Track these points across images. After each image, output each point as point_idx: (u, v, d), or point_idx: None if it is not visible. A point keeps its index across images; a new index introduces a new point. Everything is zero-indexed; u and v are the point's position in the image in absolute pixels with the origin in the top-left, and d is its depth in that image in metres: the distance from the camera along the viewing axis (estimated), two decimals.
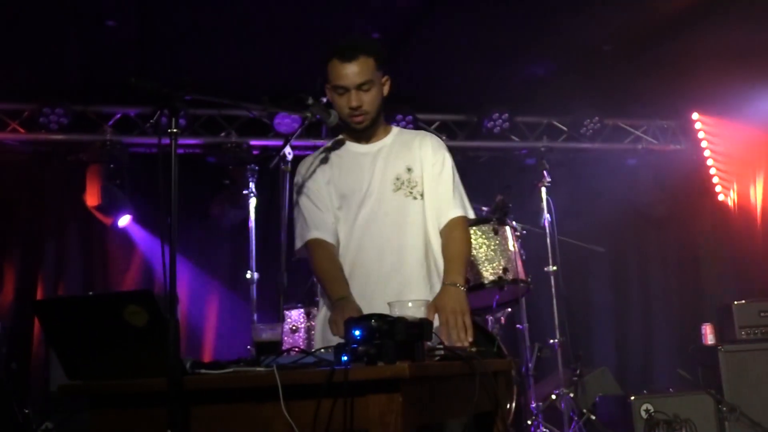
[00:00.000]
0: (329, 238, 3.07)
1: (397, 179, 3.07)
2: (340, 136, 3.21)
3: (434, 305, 2.77)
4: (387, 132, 3.18)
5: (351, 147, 3.16)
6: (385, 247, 3.01)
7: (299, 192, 3.16)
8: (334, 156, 3.16)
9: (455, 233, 3.04)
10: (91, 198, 6.56)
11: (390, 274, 2.99)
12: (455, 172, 3.15)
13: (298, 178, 3.18)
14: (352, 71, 2.97)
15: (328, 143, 3.23)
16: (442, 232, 3.06)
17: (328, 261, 3.04)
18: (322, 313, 3.10)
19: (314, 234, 3.07)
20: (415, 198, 3.06)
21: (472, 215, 3.14)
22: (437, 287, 2.95)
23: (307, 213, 3.12)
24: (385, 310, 2.36)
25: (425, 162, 3.10)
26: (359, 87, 2.98)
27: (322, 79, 3.15)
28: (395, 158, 3.10)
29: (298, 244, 3.13)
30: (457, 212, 3.07)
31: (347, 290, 2.94)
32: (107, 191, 6.58)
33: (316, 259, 3.05)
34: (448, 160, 3.14)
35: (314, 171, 3.15)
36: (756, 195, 7.64)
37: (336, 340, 2.74)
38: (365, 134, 3.12)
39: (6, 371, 5.82)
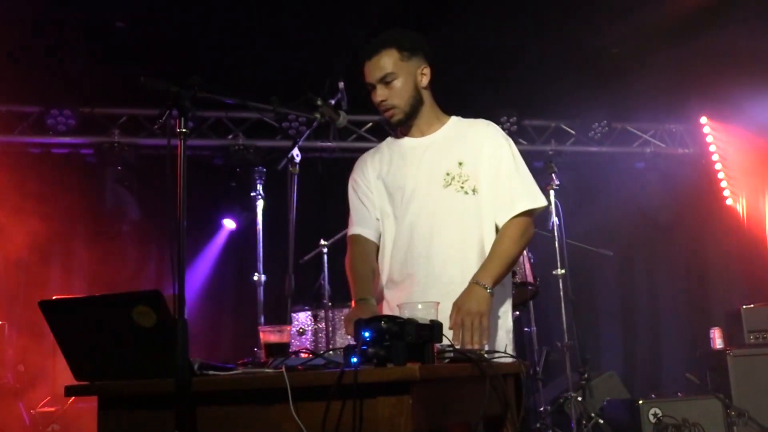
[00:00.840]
0: (369, 235, 3.02)
1: (447, 174, 2.92)
2: (398, 131, 3.10)
3: (455, 304, 2.67)
4: (443, 122, 3.04)
5: (403, 141, 3.05)
6: (434, 244, 2.89)
7: (350, 187, 3.10)
8: (386, 150, 3.08)
9: (506, 231, 2.86)
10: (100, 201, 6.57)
11: (440, 272, 2.87)
12: (517, 160, 2.94)
13: (353, 173, 3.12)
14: (373, 66, 2.91)
15: (386, 139, 3.15)
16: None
17: (360, 260, 2.99)
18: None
19: (355, 230, 3.04)
20: (466, 193, 2.90)
21: (539, 203, 2.90)
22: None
23: (352, 208, 3.08)
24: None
25: (481, 155, 2.93)
26: (382, 81, 2.91)
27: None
28: (446, 152, 2.95)
29: (355, 230, 3.07)
30: (518, 209, 2.87)
31: (369, 292, 2.88)
32: (115, 194, 6.58)
33: (350, 256, 3.01)
34: (505, 151, 2.93)
35: (366, 166, 3.09)
36: (765, 199, 7.61)
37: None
38: (417, 127, 3.01)
39: (13, 372, 5.83)
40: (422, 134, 3.02)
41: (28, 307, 6.50)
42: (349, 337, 2.74)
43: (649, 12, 5.85)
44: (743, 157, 7.84)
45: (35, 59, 6.07)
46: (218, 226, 6.95)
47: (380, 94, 2.92)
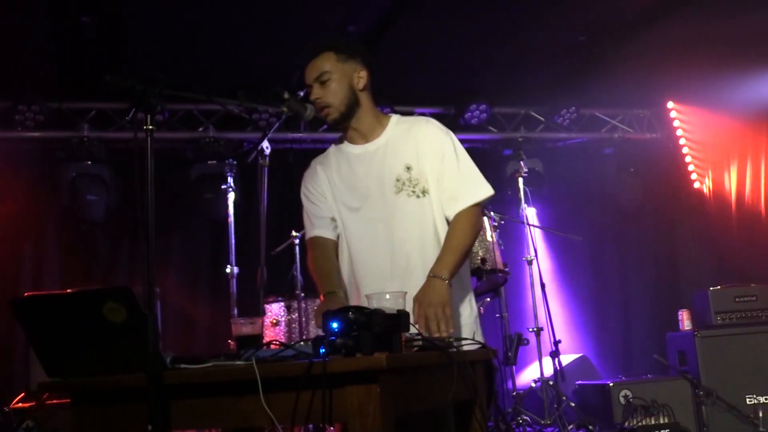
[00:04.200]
0: (328, 235, 3.09)
1: (398, 180, 2.99)
2: (339, 137, 3.17)
3: (415, 299, 2.73)
4: (383, 125, 3.10)
5: (349, 149, 3.11)
6: (396, 250, 2.98)
7: (303, 195, 3.18)
8: (333, 159, 3.14)
9: (456, 224, 2.94)
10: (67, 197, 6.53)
11: (403, 276, 2.94)
12: (459, 153, 3.02)
13: (304, 182, 3.19)
14: (310, 68, 3.00)
15: (332, 145, 3.20)
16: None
17: (323, 258, 3.07)
18: None
19: (314, 232, 3.11)
20: (418, 197, 2.99)
21: (486, 194, 2.99)
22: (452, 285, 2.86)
23: (307, 213, 3.15)
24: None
25: (425, 154, 3.00)
26: (317, 80, 2.99)
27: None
28: (392, 158, 3.02)
29: (313, 233, 3.16)
30: (464, 204, 2.96)
31: (336, 286, 2.96)
32: (74, 192, 6.54)
33: (312, 258, 3.10)
34: (448, 146, 3.01)
35: (317, 174, 3.15)
36: (731, 182, 7.72)
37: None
38: (358, 132, 3.08)
39: None
40: (365, 140, 3.09)
41: None
42: (320, 329, 2.78)
43: (614, 0, 5.91)
44: (708, 136, 7.94)
45: (1, 53, 6.02)
46: (189, 219, 6.94)
47: (315, 92, 3.00)
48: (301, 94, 3.46)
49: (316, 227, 3.11)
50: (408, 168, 3.00)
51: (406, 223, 2.98)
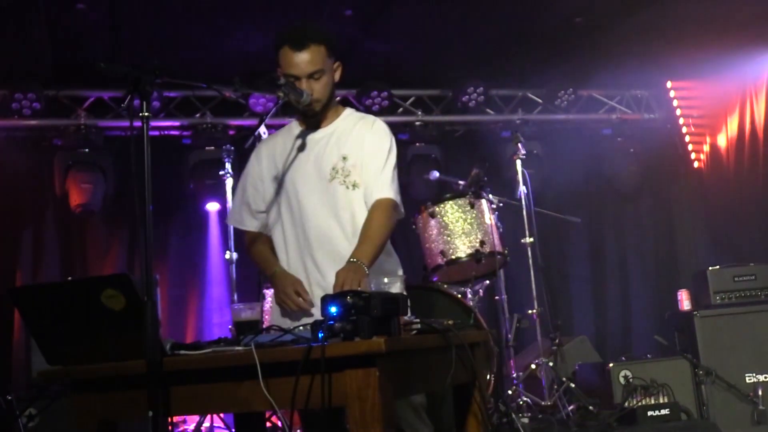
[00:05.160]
0: (256, 227, 3.25)
1: (333, 168, 3.09)
2: (293, 120, 3.27)
3: (336, 275, 2.81)
4: (337, 115, 3.20)
5: (298, 133, 3.20)
6: (321, 236, 3.07)
7: (245, 172, 3.29)
8: (281, 141, 3.23)
9: (374, 214, 3.03)
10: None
11: (325, 264, 3.03)
12: (392, 158, 3.12)
13: (251, 158, 3.28)
14: (303, 60, 3.01)
15: (284, 127, 3.30)
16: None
17: (260, 242, 3.24)
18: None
19: (246, 226, 3.26)
20: (347, 188, 3.08)
21: (398, 201, 3.10)
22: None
23: (241, 196, 3.28)
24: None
25: (363, 149, 3.11)
26: (311, 76, 3.02)
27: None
28: (333, 147, 3.12)
29: (229, 220, 3.44)
30: (383, 194, 3.05)
31: (277, 263, 3.12)
32: (63, 181, 6.56)
33: (248, 245, 3.28)
34: (384, 145, 3.12)
35: (261, 156, 3.25)
36: (728, 150, 7.63)
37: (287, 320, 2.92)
38: (315, 119, 3.16)
39: None
40: (317, 127, 3.17)
41: None
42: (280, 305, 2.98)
43: None
44: (707, 107, 7.91)
45: None
46: (188, 206, 6.94)
47: (306, 86, 3.03)
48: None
49: (248, 220, 3.26)
50: (344, 158, 3.10)
51: (333, 211, 3.08)
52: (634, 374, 5.35)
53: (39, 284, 2.52)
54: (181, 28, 6.08)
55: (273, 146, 3.24)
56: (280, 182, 3.15)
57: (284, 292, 2.97)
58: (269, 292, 5.48)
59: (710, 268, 5.91)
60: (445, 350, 2.39)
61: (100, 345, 2.32)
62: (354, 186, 3.08)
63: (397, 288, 2.44)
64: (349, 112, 3.24)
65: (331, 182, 3.08)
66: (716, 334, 5.59)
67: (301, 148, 3.16)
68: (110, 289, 2.19)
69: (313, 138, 3.16)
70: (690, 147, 8.09)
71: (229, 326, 5.32)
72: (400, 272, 3.19)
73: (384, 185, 3.07)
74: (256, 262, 3.26)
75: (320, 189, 3.09)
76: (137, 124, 2.30)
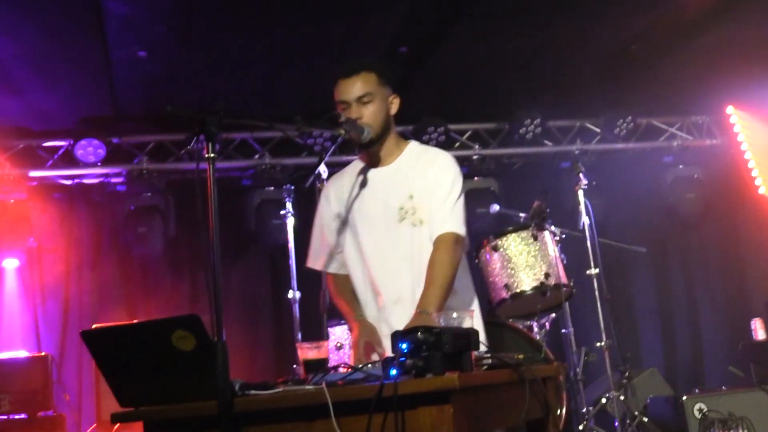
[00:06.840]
0: (342, 271, 3.24)
1: (401, 209, 3.07)
2: (357, 158, 3.26)
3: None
4: (400, 150, 3.17)
5: (363, 171, 3.18)
6: (397, 278, 3.05)
7: (318, 214, 3.30)
8: (348, 180, 3.22)
9: (438, 254, 2.96)
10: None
11: (406, 305, 2.98)
12: (456, 190, 3.07)
13: (321, 200, 3.30)
14: (351, 85, 3.03)
15: (349, 165, 3.29)
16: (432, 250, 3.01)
17: (343, 288, 3.23)
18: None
19: (329, 269, 3.27)
20: (414, 225, 3.05)
21: (462, 234, 3.03)
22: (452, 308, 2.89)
23: (317, 238, 3.29)
24: None
25: (426, 183, 3.07)
26: (359, 100, 3.02)
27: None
28: (399, 185, 3.09)
29: (309, 263, 3.35)
30: (446, 228, 3.00)
31: (357, 310, 3.13)
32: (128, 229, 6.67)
33: (332, 291, 3.29)
34: (447, 177, 3.07)
35: (330, 196, 3.25)
36: None
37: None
38: (376, 155, 3.14)
39: (60, 402, 5.91)
40: (382, 164, 3.15)
41: (69, 337, 6.59)
42: (375, 358, 2.93)
43: (666, 5, 5.82)
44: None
45: (60, 89, 6.16)
46: (251, 246, 7.00)
47: (356, 111, 3.02)
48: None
49: (335, 261, 3.25)
50: (411, 197, 3.07)
51: (409, 252, 3.05)
52: (709, 407, 5.19)
53: (110, 326, 2.53)
54: (239, 72, 6.18)
55: (341, 185, 3.23)
56: (349, 222, 3.15)
57: (356, 344, 2.99)
58: (333, 331, 5.48)
59: None
60: (517, 385, 2.34)
61: (171, 386, 2.32)
62: (421, 223, 3.05)
63: (467, 323, 2.40)
64: (413, 146, 3.21)
65: (401, 223, 3.06)
66: None
67: (367, 185, 3.14)
68: (181, 330, 2.20)
69: (378, 175, 3.15)
70: (755, 173, 7.91)
71: (294, 365, 5.29)
72: (473, 306, 3.14)
73: (446, 219, 3.02)
74: (338, 303, 3.26)
75: (388, 229, 3.07)
76: (203, 166, 2.32)
